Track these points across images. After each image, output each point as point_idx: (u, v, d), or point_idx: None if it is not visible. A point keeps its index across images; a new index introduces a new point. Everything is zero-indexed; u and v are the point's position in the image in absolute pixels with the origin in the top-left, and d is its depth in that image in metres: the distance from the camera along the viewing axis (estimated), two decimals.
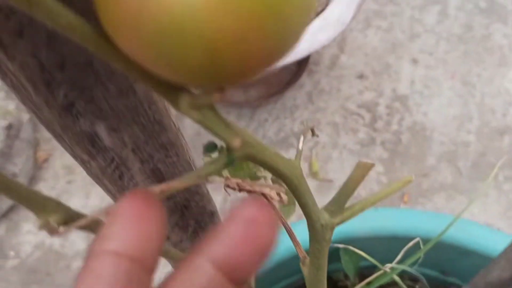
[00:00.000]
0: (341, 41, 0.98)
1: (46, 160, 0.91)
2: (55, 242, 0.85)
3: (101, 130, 0.22)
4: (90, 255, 0.14)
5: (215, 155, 0.22)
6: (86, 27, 0.14)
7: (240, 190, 0.31)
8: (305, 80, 0.96)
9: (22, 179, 0.86)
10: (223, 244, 0.15)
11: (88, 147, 0.22)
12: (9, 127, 0.85)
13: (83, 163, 0.23)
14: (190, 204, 0.31)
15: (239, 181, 0.30)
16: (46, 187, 0.89)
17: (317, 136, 0.27)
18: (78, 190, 0.89)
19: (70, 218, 0.18)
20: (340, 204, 0.24)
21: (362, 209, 0.25)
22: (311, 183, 0.88)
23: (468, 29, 0.98)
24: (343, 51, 0.98)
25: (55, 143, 0.92)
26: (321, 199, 0.93)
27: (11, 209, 0.87)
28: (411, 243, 0.49)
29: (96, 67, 0.19)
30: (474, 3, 1.00)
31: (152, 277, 0.15)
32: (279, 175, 0.22)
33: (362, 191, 0.88)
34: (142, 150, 0.25)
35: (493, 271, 0.23)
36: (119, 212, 0.15)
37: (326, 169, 0.89)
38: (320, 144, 0.91)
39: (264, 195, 0.31)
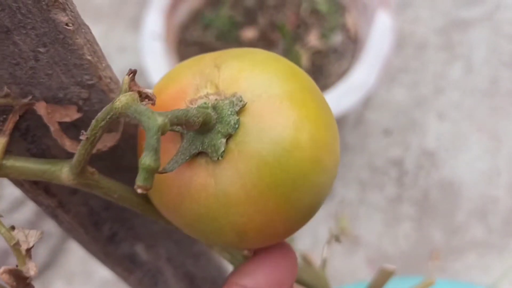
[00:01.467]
0: (363, 101, 1.00)
1: None
2: None
3: (140, 249, 0.23)
4: (226, 284, 0.16)
5: None
6: (133, 197, 0.16)
7: None
8: None
9: (56, 239, 0.89)
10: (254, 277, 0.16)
11: (128, 265, 0.23)
12: None
13: (123, 278, 0.24)
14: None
15: None
16: (77, 245, 0.91)
17: (340, 242, 0.28)
18: None
19: None
20: None
21: None
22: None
23: (493, 83, 0.99)
24: (367, 107, 0.99)
25: None
26: (349, 257, 0.92)
27: (44, 268, 0.89)
28: None
29: None
30: (498, 58, 1.01)
31: None
32: (304, 285, 0.24)
33: (389, 248, 0.88)
34: (176, 259, 0.26)
35: None
36: (258, 254, 0.16)
37: (353, 226, 0.89)
38: (346, 201, 0.92)
39: None
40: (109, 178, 0.15)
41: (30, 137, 0.15)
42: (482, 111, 0.97)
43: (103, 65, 0.15)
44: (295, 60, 0.81)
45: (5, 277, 0.14)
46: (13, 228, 0.14)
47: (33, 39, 0.13)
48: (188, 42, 0.84)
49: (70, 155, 0.17)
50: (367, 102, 1.00)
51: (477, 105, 0.97)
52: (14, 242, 0.14)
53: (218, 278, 0.30)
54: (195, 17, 0.85)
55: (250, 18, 0.84)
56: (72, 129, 0.16)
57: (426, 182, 0.92)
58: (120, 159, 0.18)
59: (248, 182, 0.14)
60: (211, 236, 0.15)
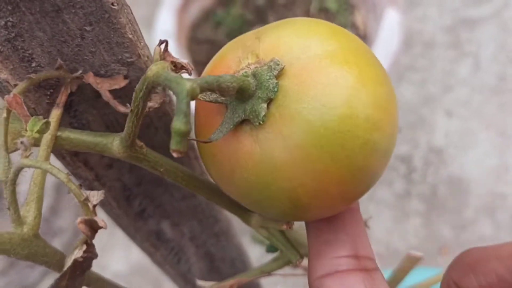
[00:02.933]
0: None
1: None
2: None
3: (165, 226, 0.24)
4: (314, 282, 0.16)
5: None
6: (178, 170, 0.17)
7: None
8: None
9: (69, 233, 0.90)
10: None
11: (154, 241, 0.24)
12: (59, 184, 0.90)
13: (150, 255, 0.26)
14: None
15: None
16: None
17: (369, 228, 0.29)
18: (119, 243, 0.92)
19: None
20: None
21: None
22: None
23: (501, 80, 0.99)
24: None
25: None
26: None
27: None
28: None
29: (165, 180, 0.22)
30: (506, 55, 1.01)
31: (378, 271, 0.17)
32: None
33: (399, 244, 0.89)
34: (198, 238, 0.27)
35: None
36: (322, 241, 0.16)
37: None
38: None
39: None
40: (156, 153, 0.16)
41: (73, 112, 0.17)
42: (490, 108, 0.97)
43: (142, 44, 0.16)
44: None
45: (82, 226, 0.15)
46: (80, 185, 0.15)
47: (81, 18, 0.14)
48: (199, 40, 0.85)
49: (108, 130, 0.18)
50: None
51: (485, 102, 0.98)
52: (83, 197, 0.15)
53: (236, 259, 0.31)
54: (207, 16, 0.86)
55: (260, 16, 0.85)
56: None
57: (434, 179, 0.93)
58: (154, 136, 0.19)
59: (291, 144, 0.14)
60: (267, 205, 0.15)
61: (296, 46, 0.15)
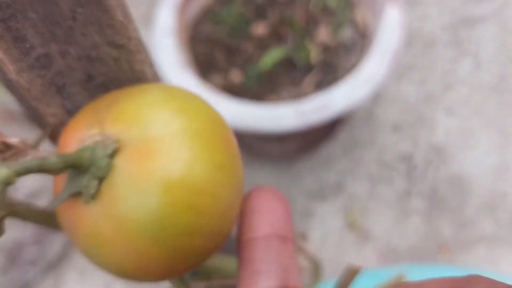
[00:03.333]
0: (372, 95, 1.01)
1: None
2: None
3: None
4: (242, 245, 0.17)
5: None
6: (47, 218, 0.18)
7: None
8: (339, 132, 0.98)
9: None
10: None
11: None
12: None
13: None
14: None
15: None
16: None
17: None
18: None
19: None
20: None
21: None
22: (348, 235, 0.89)
23: (502, 79, 0.99)
24: (376, 103, 1.00)
25: None
26: (359, 250, 0.93)
27: (58, 260, 0.91)
28: None
29: None
30: (506, 54, 1.01)
31: (293, 242, 0.18)
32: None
33: (399, 242, 0.89)
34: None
35: None
36: (252, 205, 0.17)
37: (363, 220, 0.90)
38: (356, 195, 0.93)
39: None
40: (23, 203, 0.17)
41: (66, 94, 0.17)
42: (490, 107, 0.97)
43: (132, 27, 0.16)
44: (305, 54, 0.82)
45: None
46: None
47: (72, 0, 0.15)
48: (200, 38, 0.85)
49: None
50: (376, 98, 1.01)
51: (486, 101, 0.98)
52: None
53: None
54: (207, 14, 0.86)
55: (260, 14, 0.86)
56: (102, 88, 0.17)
57: (435, 177, 0.93)
58: None
59: (116, 224, 0.14)
60: (104, 268, 0.16)
61: (137, 124, 0.15)
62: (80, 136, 0.15)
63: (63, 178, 0.16)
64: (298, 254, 0.25)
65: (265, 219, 0.17)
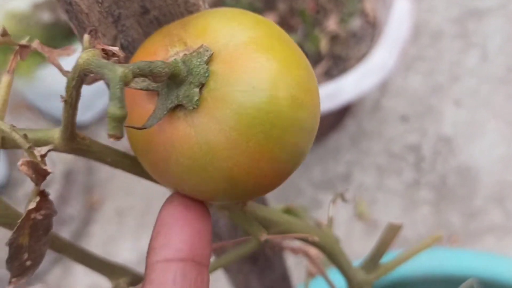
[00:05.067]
0: (382, 84, 1.01)
1: (99, 204, 0.95)
2: (107, 283, 0.87)
3: None
4: (146, 268, 0.16)
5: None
6: (126, 160, 0.17)
7: (280, 249, 0.33)
8: (348, 123, 0.98)
9: (78, 222, 0.90)
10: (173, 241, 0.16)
11: None
12: (68, 172, 0.90)
13: None
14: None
15: (280, 240, 0.32)
16: (99, 229, 0.92)
17: (346, 201, 0.29)
18: (129, 232, 0.92)
19: (135, 280, 0.21)
20: (374, 262, 0.26)
21: (395, 266, 0.27)
22: (357, 225, 0.89)
23: (509, 70, 1.00)
24: (385, 94, 1.00)
25: (108, 188, 0.97)
26: (367, 240, 0.93)
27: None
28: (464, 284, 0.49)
29: None
30: None
31: (207, 269, 0.17)
32: (312, 243, 0.25)
33: (409, 232, 0.88)
34: None
35: None
36: (162, 223, 0.16)
37: (371, 210, 0.90)
38: (364, 186, 0.93)
39: (307, 254, 0.33)
40: (100, 143, 0.16)
41: (120, 26, 0.17)
42: (498, 98, 0.98)
43: None
44: (315, 44, 0.82)
45: (24, 168, 0.14)
46: (26, 136, 0.15)
47: None
48: None
49: None
50: (384, 89, 1.01)
51: (493, 92, 0.98)
52: (28, 145, 0.14)
53: None
54: (217, 4, 0.86)
55: (270, 4, 0.86)
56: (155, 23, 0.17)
57: (443, 168, 0.93)
58: None
59: (225, 126, 0.14)
60: (205, 188, 0.15)
61: (222, 34, 0.15)
62: (161, 57, 0.15)
63: (141, 99, 0.16)
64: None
65: (176, 240, 0.16)
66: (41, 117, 0.93)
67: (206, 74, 0.15)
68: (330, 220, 0.27)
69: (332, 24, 0.83)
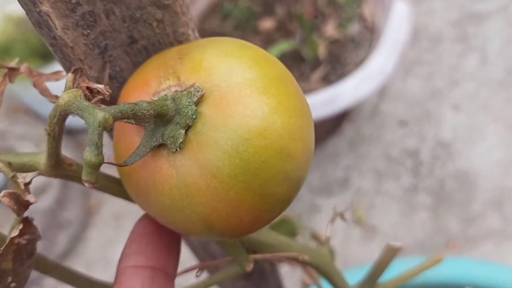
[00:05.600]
0: (381, 89, 1.00)
1: (97, 208, 0.95)
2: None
3: None
4: (117, 272, 0.17)
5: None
6: (115, 186, 0.17)
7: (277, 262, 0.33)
8: (346, 127, 0.98)
9: (76, 226, 0.90)
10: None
11: None
12: None
13: None
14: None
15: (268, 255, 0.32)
16: (96, 234, 0.92)
17: (345, 220, 0.29)
18: (126, 236, 0.91)
19: None
20: (372, 282, 0.26)
21: (394, 286, 0.27)
22: (355, 230, 0.89)
23: (508, 74, 0.99)
24: (383, 99, 1.00)
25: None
26: (365, 246, 0.92)
27: (64, 256, 0.90)
28: None
29: None
30: None
31: (173, 281, 0.18)
32: (304, 263, 0.25)
33: (407, 237, 0.88)
34: None
35: None
36: (137, 233, 0.17)
37: (369, 215, 0.90)
38: (362, 190, 0.92)
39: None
40: None
41: (107, 56, 0.16)
42: (497, 102, 0.97)
43: None
44: (313, 49, 0.82)
45: (6, 199, 0.14)
46: (10, 164, 0.15)
47: None
48: (207, 32, 0.85)
49: None
50: (382, 94, 1.00)
51: (493, 96, 0.98)
52: (12, 175, 0.14)
53: None
54: (214, 8, 0.86)
55: (268, 8, 0.85)
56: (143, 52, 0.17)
57: (442, 172, 0.93)
58: None
59: (206, 172, 0.14)
60: (182, 226, 0.15)
61: (217, 72, 0.15)
62: (153, 89, 0.15)
63: (128, 132, 0.16)
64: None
65: (148, 250, 0.17)
66: (38, 121, 0.92)
67: (194, 116, 0.14)
68: (327, 240, 0.27)
69: (330, 29, 0.83)
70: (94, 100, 0.14)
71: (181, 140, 0.14)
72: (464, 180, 0.92)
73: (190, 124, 0.14)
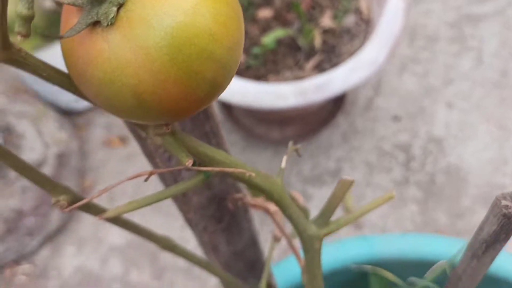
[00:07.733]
0: (376, 84, 1.02)
1: (91, 188, 0.97)
2: (94, 265, 0.88)
3: None
4: None
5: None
6: (61, 76, 0.18)
7: (245, 205, 0.34)
8: (340, 120, 0.99)
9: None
10: None
11: None
12: (61, 155, 0.92)
13: (140, 139, 0.27)
14: (227, 197, 0.34)
15: (244, 197, 0.33)
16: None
17: (300, 155, 0.30)
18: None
19: (76, 199, 0.22)
20: (326, 217, 0.27)
21: (346, 223, 0.28)
22: None
23: (503, 75, 1.01)
24: (378, 94, 1.01)
25: (100, 172, 0.98)
26: (354, 236, 0.93)
27: (56, 232, 0.91)
28: (435, 266, 0.50)
29: None
30: (509, 51, 1.03)
31: None
32: (259, 190, 0.26)
33: (396, 229, 0.89)
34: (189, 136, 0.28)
35: (484, 228, 0.25)
36: None
37: (359, 206, 0.91)
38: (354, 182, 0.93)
39: (267, 210, 0.34)
40: (36, 58, 0.17)
41: None
42: (491, 102, 0.98)
43: None
44: (308, 38, 0.83)
45: None
46: None
47: None
48: None
49: None
50: (378, 89, 1.02)
51: (486, 96, 0.99)
52: None
53: None
54: None
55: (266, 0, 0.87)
56: None
57: (433, 168, 0.94)
58: None
59: (134, 45, 0.15)
60: (116, 103, 0.17)
61: None
62: None
63: (71, 15, 0.17)
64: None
65: None
66: (37, 100, 0.94)
67: None
68: (281, 171, 0.27)
69: (326, 19, 0.85)
70: None
71: (112, 15, 0.16)
72: (454, 176, 0.93)
73: (121, 2, 0.16)
